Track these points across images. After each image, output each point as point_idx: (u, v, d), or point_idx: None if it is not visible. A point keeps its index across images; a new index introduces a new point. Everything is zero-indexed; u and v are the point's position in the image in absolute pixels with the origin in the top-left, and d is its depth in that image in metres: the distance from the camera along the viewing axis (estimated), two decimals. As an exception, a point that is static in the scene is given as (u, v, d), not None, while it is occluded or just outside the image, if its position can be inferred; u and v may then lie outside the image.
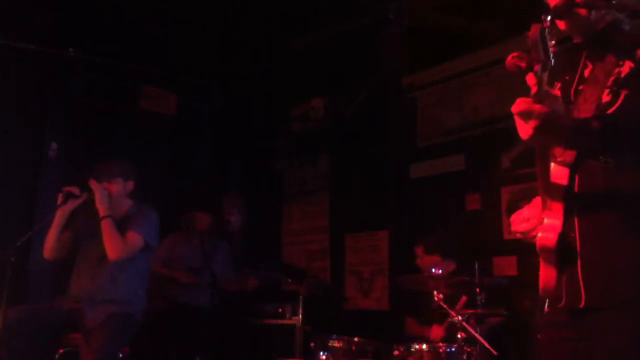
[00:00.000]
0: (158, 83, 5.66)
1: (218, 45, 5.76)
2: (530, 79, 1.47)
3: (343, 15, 4.88)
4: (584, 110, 1.66)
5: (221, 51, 5.85)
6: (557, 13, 1.66)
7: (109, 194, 3.71)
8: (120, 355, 3.61)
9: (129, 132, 5.45)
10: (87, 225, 3.85)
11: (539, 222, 1.70)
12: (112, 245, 3.59)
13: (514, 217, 1.80)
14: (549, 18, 1.44)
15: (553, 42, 1.44)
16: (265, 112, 6.34)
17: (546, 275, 1.69)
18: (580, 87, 1.73)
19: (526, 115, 1.48)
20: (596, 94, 1.64)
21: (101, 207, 3.64)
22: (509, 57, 1.45)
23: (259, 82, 6.10)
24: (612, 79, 1.61)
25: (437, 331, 4.07)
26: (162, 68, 5.39)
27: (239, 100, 6.20)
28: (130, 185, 3.86)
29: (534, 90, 1.47)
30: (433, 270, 3.90)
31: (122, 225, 3.68)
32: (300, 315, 3.98)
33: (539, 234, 1.67)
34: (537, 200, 1.75)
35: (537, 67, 1.43)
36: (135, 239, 3.67)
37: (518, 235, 1.80)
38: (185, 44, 5.53)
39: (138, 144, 5.45)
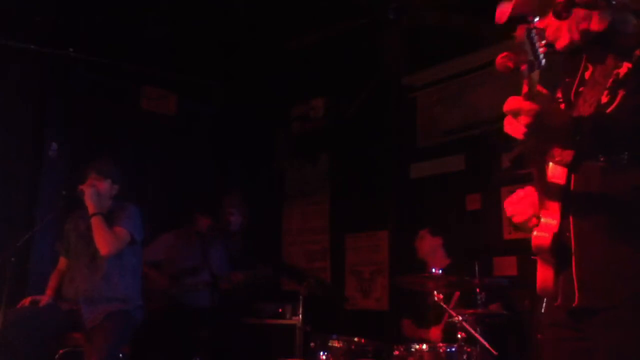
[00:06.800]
0: (158, 83, 5.67)
1: (218, 45, 5.76)
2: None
3: (343, 15, 4.87)
4: (583, 112, 1.66)
5: (221, 51, 5.85)
6: (557, 13, 1.66)
7: (98, 192, 3.71)
8: (120, 355, 3.62)
9: (129, 132, 5.45)
10: (74, 227, 3.86)
11: (534, 212, 1.70)
12: (104, 241, 3.60)
13: (508, 204, 1.79)
14: (536, 19, 1.44)
15: (543, 42, 1.45)
16: (265, 112, 6.33)
17: (543, 274, 1.69)
18: (581, 89, 1.73)
19: (517, 113, 1.49)
20: (595, 96, 1.64)
21: (91, 205, 3.65)
22: (499, 57, 1.46)
23: (259, 82, 6.10)
24: (610, 80, 1.61)
25: (435, 333, 4.07)
26: (162, 68, 5.38)
27: (239, 100, 6.20)
28: (116, 189, 3.87)
29: (525, 89, 1.47)
30: (433, 270, 3.90)
31: (106, 222, 3.68)
32: (300, 315, 3.97)
33: (535, 233, 1.67)
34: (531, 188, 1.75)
35: (524, 68, 1.43)
36: (122, 233, 3.69)
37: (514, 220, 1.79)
38: (185, 44, 5.53)
39: (138, 144, 5.46)
